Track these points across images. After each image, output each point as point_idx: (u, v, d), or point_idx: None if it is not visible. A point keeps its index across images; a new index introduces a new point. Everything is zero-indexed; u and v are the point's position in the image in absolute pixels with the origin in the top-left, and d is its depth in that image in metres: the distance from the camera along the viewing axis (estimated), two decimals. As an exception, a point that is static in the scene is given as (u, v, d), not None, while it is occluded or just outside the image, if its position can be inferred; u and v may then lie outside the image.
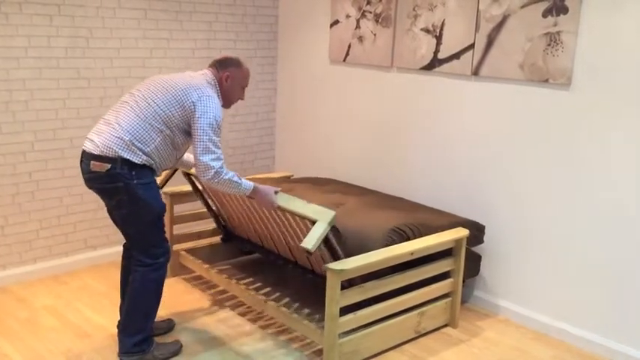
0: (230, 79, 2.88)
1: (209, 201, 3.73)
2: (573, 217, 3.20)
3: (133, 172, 2.68)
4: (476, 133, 3.54)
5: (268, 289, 3.74)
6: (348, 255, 2.92)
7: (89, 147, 2.70)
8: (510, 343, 3.26)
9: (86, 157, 2.72)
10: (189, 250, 3.88)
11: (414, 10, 3.73)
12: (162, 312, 3.38)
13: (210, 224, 4.12)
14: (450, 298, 3.35)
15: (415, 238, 3.17)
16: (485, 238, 3.53)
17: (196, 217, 3.96)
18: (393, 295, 3.06)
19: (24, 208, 3.71)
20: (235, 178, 2.79)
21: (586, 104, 3.08)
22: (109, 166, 2.65)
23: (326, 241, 2.82)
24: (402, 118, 3.91)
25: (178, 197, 3.78)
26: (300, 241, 3.11)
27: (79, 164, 3.81)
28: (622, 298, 3.07)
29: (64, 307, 3.47)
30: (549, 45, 3.14)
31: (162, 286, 2.90)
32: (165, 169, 2.96)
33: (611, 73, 2.97)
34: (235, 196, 3.32)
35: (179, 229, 3.95)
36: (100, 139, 2.68)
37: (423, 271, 3.15)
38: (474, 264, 3.50)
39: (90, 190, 3.87)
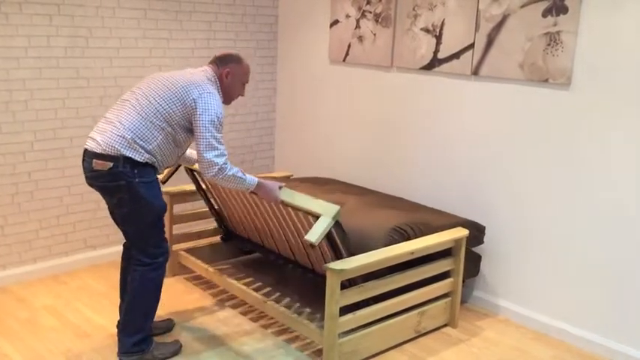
0: (230, 75, 2.88)
1: (210, 198, 3.73)
2: (573, 217, 3.20)
3: (135, 171, 2.68)
4: (476, 132, 3.54)
5: (268, 288, 3.74)
6: (352, 254, 2.92)
7: (91, 146, 2.70)
8: (510, 343, 3.26)
9: (88, 156, 2.71)
10: (189, 250, 3.88)
11: (413, 9, 3.73)
12: (162, 312, 3.38)
13: (209, 224, 4.12)
14: (449, 298, 3.35)
15: (416, 237, 3.17)
16: (484, 238, 3.53)
17: (196, 216, 3.96)
18: (392, 294, 3.06)
19: (23, 208, 3.71)
20: (239, 174, 2.80)
21: (586, 104, 3.08)
22: (111, 164, 2.65)
23: (329, 237, 2.82)
24: (402, 117, 3.91)
25: (178, 197, 3.78)
26: (302, 237, 3.11)
27: (78, 164, 3.85)
28: (622, 298, 3.07)
29: (63, 307, 3.47)
30: (549, 45, 3.14)
31: (161, 285, 2.89)
32: (168, 167, 2.96)
33: (611, 73, 2.97)
34: (237, 192, 3.32)
35: (179, 229, 3.95)
36: (102, 137, 2.68)
37: (422, 270, 3.15)
38: (473, 264, 3.50)
39: (89, 190, 3.91)
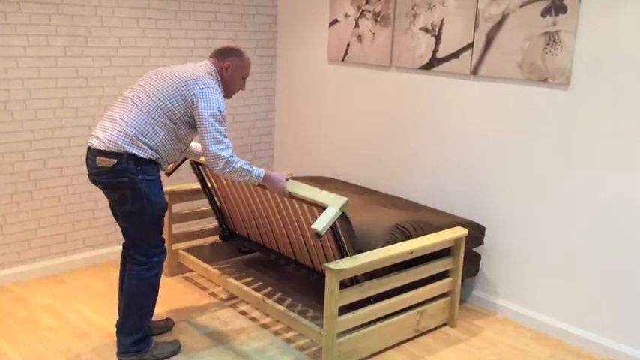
0: (230, 68, 2.88)
1: (214, 194, 3.71)
2: (572, 216, 3.20)
3: (139, 168, 2.68)
4: (475, 132, 3.55)
5: (267, 288, 3.74)
6: (359, 251, 2.93)
7: (95, 143, 2.71)
8: (509, 343, 3.27)
9: (92, 154, 2.72)
10: (189, 249, 3.88)
11: (412, 9, 3.73)
12: (161, 311, 3.38)
13: (209, 223, 4.12)
14: (449, 298, 3.35)
15: (418, 236, 3.18)
16: (484, 239, 3.53)
17: (196, 215, 3.96)
18: (392, 294, 3.07)
19: (22, 208, 3.70)
20: (246, 167, 2.81)
21: (585, 103, 3.08)
22: (115, 161, 2.66)
23: (334, 232, 2.83)
24: (401, 117, 3.91)
25: (177, 196, 3.78)
26: (304, 234, 3.11)
27: (77, 163, 3.85)
28: (621, 297, 3.07)
29: (62, 306, 3.47)
30: (548, 44, 3.14)
31: (158, 285, 2.89)
32: (172, 162, 2.96)
33: (610, 73, 2.97)
34: (239, 187, 3.33)
35: (178, 228, 3.95)
36: (105, 135, 2.69)
37: (422, 270, 3.16)
38: (473, 263, 3.50)
39: (88, 190, 3.91)
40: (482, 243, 3.52)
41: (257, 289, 3.58)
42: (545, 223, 3.31)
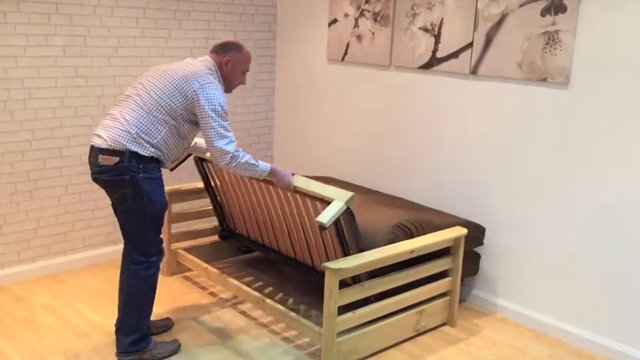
0: (230, 63, 2.88)
1: (215, 191, 3.71)
2: (572, 216, 3.20)
3: (140, 166, 2.69)
4: (474, 132, 3.54)
5: (267, 287, 3.74)
6: (361, 250, 2.93)
7: (97, 142, 2.71)
8: (508, 342, 3.27)
9: (94, 152, 2.73)
10: (188, 249, 3.88)
11: (412, 8, 3.73)
12: (161, 311, 3.38)
13: (208, 222, 4.12)
14: (448, 297, 3.35)
15: (419, 235, 3.18)
16: (484, 239, 3.53)
17: (195, 215, 3.96)
18: (391, 293, 3.07)
19: (22, 207, 3.70)
20: (252, 161, 2.82)
21: (584, 103, 3.08)
22: (117, 159, 2.66)
23: (338, 229, 2.83)
24: (401, 117, 3.91)
25: (177, 196, 3.78)
26: (306, 230, 3.11)
27: (76, 163, 3.85)
28: (621, 297, 3.07)
29: (62, 306, 3.47)
30: (547, 44, 3.14)
31: (155, 285, 2.89)
32: (175, 160, 2.96)
33: (610, 72, 2.97)
34: (242, 183, 3.33)
35: (178, 228, 3.95)
36: (108, 133, 2.70)
37: (421, 269, 3.16)
38: (472, 263, 3.50)
39: (88, 189, 3.91)
40: (482, 243, 3.52)
41: (257, 289, 3.57)
42: (545, 223, 3.31)
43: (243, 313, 3.46)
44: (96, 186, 3.83)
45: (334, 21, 4.21)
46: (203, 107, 2.71)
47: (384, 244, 3.05)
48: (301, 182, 2.96)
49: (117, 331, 2.89)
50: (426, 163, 3.82)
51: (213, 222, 4.06)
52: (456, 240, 3.25)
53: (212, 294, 3.68)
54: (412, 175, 3.90)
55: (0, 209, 3.63)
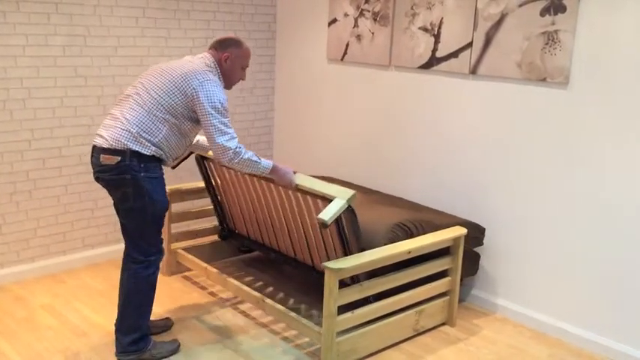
0: (230, 59, 2.88)
1: (216, 190, 3.71)
2: (571, 216, 3.20)
3: (142, 165, 2.70)
4: (474, 131, 3.54)
5: (267, 287, 3.74)
6: (362, 249, 2.93)
7: (99, 142, 2.72)
8: (508, 342, 3.27)
9: (96, 152, 2.74)
10: (188, 249, 3.88)
11: (412, 8, 3.73)
12: (160, 310, 3.38)
13: (208, 222, 4.12)
14: (447, 297, 3.35)
15: (419, 234, 3.18)
16: (484, 239, 3.53)
17: (195, 215, 3.96)
18: (391, 293, 3.07)
19: (21, 207, 3.70)
20: (254, 158, 2.83)
21: (584, 103, 3.08)
22: (118, 158, 2.67)
23: (339, 227, 2.83)
24: (400, 117, 3.91)
25: (177, 195, 3.77)
26: (306, 229, 3.11)
27: (76, 163, 3.85)
28: (620, 297, 3.07)
29: (61, 305, 3.47)
30: (547, 44, 3.14)
31: (155, 285, 2.89)
32: (177, 157, 2.97)
33: (609, 72, 2.97)
34: (243, 181, 3.33)
35: (177, 228, 3.95)
36: (109, 133, 2.70)
37: (421, 269, 3.16)
38: (472, 263, 3.50)
39: (87, 189, 3.91)
40: (482, 244, 3.52)
41: (256, 289, 3.57)
42: (545, 223, 3.31)
43: (242, 312, 3.46)
44: (95, 186, 3.85)
45: (334, 21, 4.21)
46: (203, 104, 2.71)
47: (384, 244, 3.05)
48: (303, 180, 2.96)
49: (116, 331, 2.89)
50: (425, 163, 3.82)
51: (212, 222, 4.06)
52: (456, 240, 3.25)
53: (212, 294, 3.68)
54: (412, 175, 3.90)
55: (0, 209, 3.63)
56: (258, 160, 2.85)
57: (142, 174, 2.70)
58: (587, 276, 3.18)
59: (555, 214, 3.26)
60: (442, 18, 3.57)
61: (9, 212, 3.66)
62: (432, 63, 3.67)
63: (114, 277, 3.70)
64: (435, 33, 3.62)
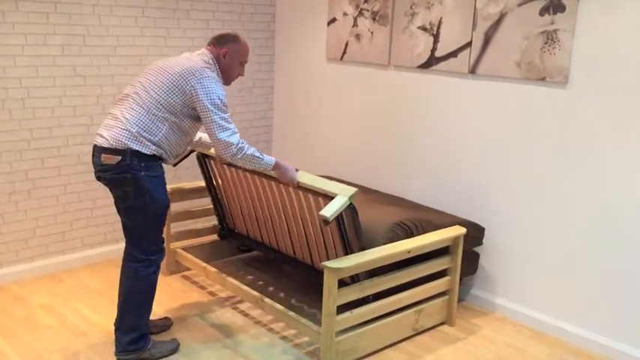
0: (228, 55, 2.88)
1: (216, 189, 3.70)
2: (570, 215, 3.20)
3: (142, 164, 2.70)
4: (473, 131, 3.54)
5: (266, 286, 3.74)
6: (363, 248, 2.93)
7: (100, 141, 2.73)
8: (507, 341, 3.27)
9: (97, 151, 2.74)
10: (187, 248, 3.88)
11: (411, 8, 3.73)
12: (160, 310, 3.38)
13: (208, 222, 4.12)
14: (447, 296, 3.35)
15: (419, 234, 3.18)
16: (483, 239, 3.53)
17: (194, 214, 3.95)
18: (390, 293, 3.07)
19: (20, 207, 3.70)
20: (257, 153, 2.84)
21: (583, 102, 3.09)
22: (119, 157, 2.68)
23: (339, 225, 2.83)
24: (399, 116, 3.91)
25: (176, 195, 3.77)
26: (307, 228, 3.11)
27: (75, 162, 3.84)
28: (620, 296, 3.07)
29: (60, 305, 3.46)
30: (546, 43, 3.14)
31: (155, 284, 2.89)
32: (178, 155, 2.97)
33: (608, 72, 2.97)
34: (243, 179, 3.33)
35: (177, 227, 3.94)
36: (109, 133, 2.71)
37: (420, 269, 3.16)
38: (471, 262, 3.50)
39: (86, 189, 3.91)
40: (481, 243, 3.52)
41: (256, 288, 3.57)
42: (544, 223, 3.31)
43: (242, 312, 3.46)
44: (94, 185, 3.85)
45: (333, 20, 4.21)
46: (202, 102, 2.71)
47: (384, 243, 3.05)
48: (304, 178, 2.96)
49: (116, 330, 2.89)
50: (425, 163, 3.82)
51: (212, 221, 4.06)
52: (455, 239, 3.26)
53: (211, 293, 3.68)
54: (411, 175, 3.90)
55: (-2, 208, 3.63)
56: (261, 156, 2.85)
57: (143, 173, 2.71)
58: (587, 276, 3.18)
59: (555, 214, 3.26)
60: (441, 17, 3.57)
61: (8, 212, 3.66)
62: (431, 62, 3.67)
63: (113, 277, 3.70)
64: (434, 32, 3.62)
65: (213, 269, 3.56)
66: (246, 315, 3.43)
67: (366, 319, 2.99)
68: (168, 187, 3.69)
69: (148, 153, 2.71)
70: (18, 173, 3.66)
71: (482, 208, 3.55)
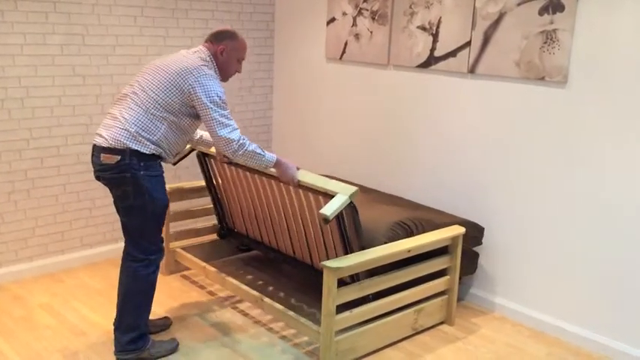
0: (225, 52, 2.88)
1: (216, 188, 3.70)
2: (570, 215, 3.21)
3: (142, 163, 2.71)
4: (473, 131, 3.55)
5: (266, 286, 3.74)
6: (362, 248, 2.93)
7: (99, 141, 2.73)
8: (506, 341, 3.27)
9: (97, 151, 2.75)
10: (186, 248, 3.88)
11: (410, 7, 3.73)
12: (159, 310, 3.38)
13: (207, 221, 4.12)
14: (446, 296, 3.36)
15: (419, 233, 3.18)
16: (483, 239, 3.53)
17: (193, 214, 3.95)
18: (389, 292, 3.07)
19: (20, 206, 3.70)
20: (259, 150, 2.84)
21: (582, 102, 3.09)
22: (118, 157, 2.68)
23: (339, 224, 2.83)
24: (398, 116, 3.91)
25: (175, 194, 3.77)
26: (306, 227, 3.11)
27: (74, 162, 3.84)
28: (619, 296, 3.08)
29: (60, 305, 3.46)
30: (545, 43, 3.14)
31: (154, 284, 2.89)
32: (178, 154, 2.97)
33: (608, 71, 2.98)
34: (244, 178, 3.33)
35: (176, 227, 3.94)
36: (108, 132, 2.71)
37: (419, 268, 3.16)
38: (471, 262, 3.50)
39: (85, 188, 3.91)
40: (480, 243, 3.52)
41: (255, 288, 3.57)
42: (544, 223, 3.31)
43: (241, 311, 3.46)
44: (93, 185, 3.84)
45: (332, 20, 4.21)
46: (201, 99, 2.72)
47: (384, 242, 3.05)
48: (306, 177, 2.96)
49: (115, 330, 2.89)
50: (424, 162, 3.82)
51: (211, 221, 4.06)
52: (454, 239, 3.26)
53: (210, 293, 3.68)
54: (411, 174, 3.90)
55: (-2, 208, 3.63)
56: (262, 153, 2.85)
57: (142, 172, 2.71)
58: (587, 275, 3.18)
59: (554, 214, 3.26)
60: (440, 17, 3.57)
61: (7, 211, 3.66)
62: (430, 62, 3.67)
63: (112, 276, 3.70)
64: (434, 32, 3.62)
65: (213, 269, 3.56)
66: (245, 314, 3.43)
67: (365, 318, 2.99)
68: (168, 186, 3.70)
69: (147, 152, 2.72)
70: (17, 173, 3.65)
71: (482, 207, 3.55)
